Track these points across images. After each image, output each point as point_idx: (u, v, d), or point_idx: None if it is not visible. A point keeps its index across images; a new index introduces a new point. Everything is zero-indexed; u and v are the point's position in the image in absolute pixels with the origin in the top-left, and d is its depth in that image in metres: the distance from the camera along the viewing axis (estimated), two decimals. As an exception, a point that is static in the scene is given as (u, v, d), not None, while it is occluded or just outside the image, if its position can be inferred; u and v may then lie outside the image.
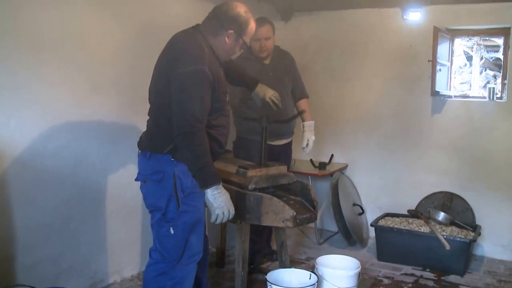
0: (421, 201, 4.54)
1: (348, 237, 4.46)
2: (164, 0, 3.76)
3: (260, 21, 3.54)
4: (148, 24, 3.56)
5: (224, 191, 2.59)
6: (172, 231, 2.55)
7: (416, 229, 4.11)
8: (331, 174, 4.66)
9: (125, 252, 3.62)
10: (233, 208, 2.63)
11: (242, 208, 2.95)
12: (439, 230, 3.99)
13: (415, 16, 4.50)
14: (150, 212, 2.66)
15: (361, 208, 4.67)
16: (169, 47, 2.60)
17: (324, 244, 4.66)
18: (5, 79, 2.73)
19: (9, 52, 2.74)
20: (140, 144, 2.68)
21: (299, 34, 5.09)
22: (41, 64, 2.92)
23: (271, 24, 3.70)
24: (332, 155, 4.88)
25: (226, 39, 2.61)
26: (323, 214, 5.06)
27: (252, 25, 2.66)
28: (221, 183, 2.57)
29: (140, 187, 2.68)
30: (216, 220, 2.58)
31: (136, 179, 2.69)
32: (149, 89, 2.66)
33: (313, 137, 3.83)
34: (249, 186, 2.95)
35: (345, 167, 4.95)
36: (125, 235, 3.59)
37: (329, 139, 4.97)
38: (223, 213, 2.57)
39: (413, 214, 4.39)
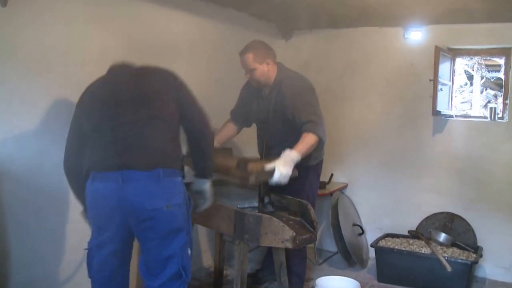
0: (422, 222, 4.49)
1: (348, 258, 4.40)
2: (164, 18, 3.73)
3: (242, 51, 3.44)
4: (147, 41, 3.52)
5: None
6: (189, 252, 2.49)
7: (417, 250, 4.06)
8: (331, 194, 4.61)
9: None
10: None
11: (240, 228, 2.92)
12: (440, 252, 3.93)
13: (416, 36, 4.49)
14: (155, 238, 2.38)
15: (361, 228, 4.61)
16: None
17: (323, 264, 4.59)
18: (2, 96, 2.70)
19: (7, 71, 2.71)
20: (141, 164, 2.33)
21: (300, 53, 5.08)
22: (40, 82, 2.88)
23: (254, 53, 3.39)
24: (331, 175, 4.84)
25: None
26: (322, 234, 5.00)
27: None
28: None
29: (158, 213, 2.35)
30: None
31: (154, 207, 2.33)
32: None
33: (284, 170, 3.00)
34: (250, 180, 2.92)
35: (345, 186, 4.90)
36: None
37: (329, 158, 4.86)
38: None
39: (414, 235, 4.34)
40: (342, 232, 4.28)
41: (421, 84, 4.43)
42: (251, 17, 4.67)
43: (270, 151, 3.33)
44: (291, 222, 3.06)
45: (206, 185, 2.74)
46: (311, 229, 3.00)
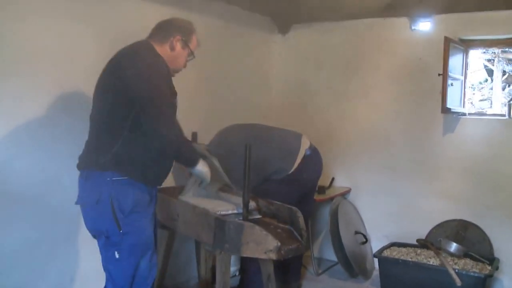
0: (431, 230, 4.14)
1: (349, 268, 4.05)
2: (142, 13, 3.50)
3: None
4: (124, 38, 3.26)
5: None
6: (117, 255, 2.43)
7: (425, 261, 3.73)
8: (332, 199, 4.26)
9: (99, 281, 3.23)
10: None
11: (220, 237, 2.65)
12: (450, 263, 3.58)
13: (424, 26, 4.15)
14: (93, 236, 2.54)
15: (364, 236, 4.25)
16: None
17: (323, 275, 4.30)
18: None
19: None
20: (79, 165, 2.53)
21: (298, 48, 4.81)
22: (8, 78, 2.73)
23: None
24: (333, 178, 4.52)
25: (174, 45, 2.60)
26: (322, 242, 4.68)
27: (195, 36, 2.68)
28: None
29: (81, 210, 2.54)
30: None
31: (76, 203, 2.55)
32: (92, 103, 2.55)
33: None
34: None
35: (348, 191, 4.56)
36: (99, 263, 3.24)
37: (330, 161, 4.57)
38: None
39: (423, 244, 3.99)
40: (342, 240, 3.95)
41: (431, 79, 4.08)
42: (243, 10, 4.42)
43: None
44: (278, 230, 2.80)
45: (195, 170, 2.71)
46: (299, 238, 2.68)
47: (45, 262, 2.98)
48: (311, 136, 3.64)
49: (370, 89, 4.47)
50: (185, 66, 2.71)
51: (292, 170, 3.42)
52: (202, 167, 2.71)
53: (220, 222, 2.64)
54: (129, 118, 2.37)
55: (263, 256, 2.57)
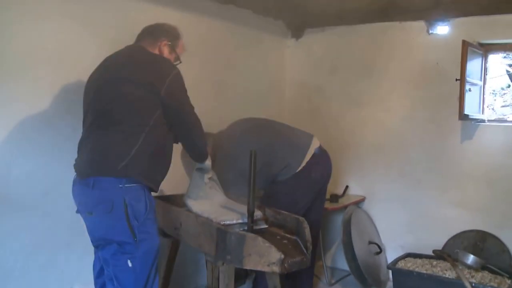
0: (448, 241, 3.99)
1: (362, 279, 3.92)
2: (149, 16, 3.39)
3: None
4: (128, 41, 3.23)
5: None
6: (130, 264, 2.36)
7: (440, 273, 3.57)
8: (345, 208, 4.14)
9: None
10: None
11: (222, 248, 2.56)
12: (467, 276, 3.42)
13: (442, 30, 4.02)
14: (96, 246, 2.51)
15: (378, 246, 4.11)
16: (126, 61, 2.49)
17: (336, 285, 4.19)
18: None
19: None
20: (80, 172, 2.43)
21: (311, 53, 4.71)
22: (7, 82, 2.67)
23: None
24: (346, 186, 4.40)
25: (162, 49, 2.60)
26: (336, 251, 4.56)
27: (182, 41, 2.70)
28: None
29: (84, 220, 2.47)
30: None
31: (78, 211, 2.47)
32: (88, 110, 2.48)
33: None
34: None
35: (362, 199, 4.44)
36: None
37: (344, 168, 4.46)
38: None
39: (439, 255, 3.82)
40: (355, 250, 3.82)
41: (448, 85, 3.93)
42: (255, 14, 4.31)
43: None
44: (284, 241, 2.70)
45: (203, 165, 2.94)
46: (305, 251, 2.58)
47: (45, 270, 2.92)
48: (324, 142, 3.53)
49: (386, 94, 4.35)
50: None
51: (300, 168, 3.31)
52: (208, 160, 2.91)
53: (222, 232, 2.55)
54: (151, 121, 2.36)
55: (266, 269, 2.47)
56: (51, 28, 2.85)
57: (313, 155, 3.35)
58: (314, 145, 3.40)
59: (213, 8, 3.92)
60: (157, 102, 2.36)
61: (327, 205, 4.01)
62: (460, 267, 3.55)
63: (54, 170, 2.90)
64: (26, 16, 2.72)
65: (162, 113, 2.40)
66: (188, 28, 3.66)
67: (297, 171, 3.30)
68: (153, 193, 3.08)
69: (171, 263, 3.35)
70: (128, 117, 2.33)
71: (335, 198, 4.13)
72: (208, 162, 2.94)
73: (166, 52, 2.61)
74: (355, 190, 4.49)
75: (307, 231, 2.66)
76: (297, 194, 3.35)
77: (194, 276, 3.93)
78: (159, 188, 3.42)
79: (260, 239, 2.44)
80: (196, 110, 2.65)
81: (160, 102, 2.37)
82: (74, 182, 2.46)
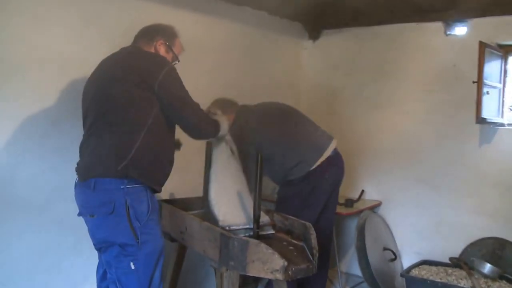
0: (466, 248, 3.85)
1: (376, 286, 3.82)
2: (161, 18, 3.38)
3: None
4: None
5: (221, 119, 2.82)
6: (133, 266, 2.34)
7: (455, 282, 3.44)
8: (360, 213, 4.05)
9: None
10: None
11: (225, 254, 2.51)
12: (482, 286, 3.31)
13: (460, 31, 3.91)
14: (98, 249, 2.47)
15: (393, 253, 4.01)
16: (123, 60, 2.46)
17: (350, 291, 4.07)
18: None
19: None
20: (81, 174, 2.41)
21: (328, 55, 4.65)
22: (14, 84, 2.68)
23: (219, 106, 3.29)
24: (362, 191, 4.30)
25: (158, 49, 2.58)
26: (351, 257, 4.46)
27: (179, 40, 2.68)
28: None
29: (86, 222, 2.46)
30: None
31: (80, 214, 2.45)
32: (87, 113, 2.47)
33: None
34: None
35: (378, 204, 4.33)
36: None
37: (360, 172, 4.38)
38: None
39: (455, 263, 3.71)
40: (369, 257, 3.73)
41: (465, 87, 3.81)
42: (270, 16, 4.26)
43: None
44: (291, 247, 2.65)
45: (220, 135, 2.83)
46: (311, 258, 2.52)
47: (51, 272, 2.91)
48: (340, 145, 3.46)
49: (402, 97, 4.25)
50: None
51: (314, 166, 3.25)
52: (223, 129, 2.80)
53: (225, 238, 2.51)
54: (149, 120, 2.34)
55: (269, 276, 2.41)
56: (57, 29, 2.84)
57: (329, 157, 3.30)
58: (332, 147, 3.35)
59: (227, 10, 3.89)
60: (153, 100, 2.34)
61: (342, 210, 3.94)
62: (476, 276, 3.44)
63: (60, 172, 2.88)
64: (32, 17, 2.72)
65: (160, 110, 2.37)
66: (202, 30, 3.70)
67: (311, 169, 3.25)
68: (162, 197, 3.11)
69: (178, 268, 3.33)
70: (126, 118, 2.31)
71: (350, 202, 4.04)
72: (222, 132, 2.82)
73: (162, 51, 2.58)
74: (371, 195, 4.39)
75: (313, 237, 2.60)
76: (310, 197, 3.29)
77: (204, 282, 3.89)
78: (170, 192, 3.44)
79: (263, 245, 2.38)
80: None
81: (156, 99, 2.34)
82: (76, 185, 2.45)
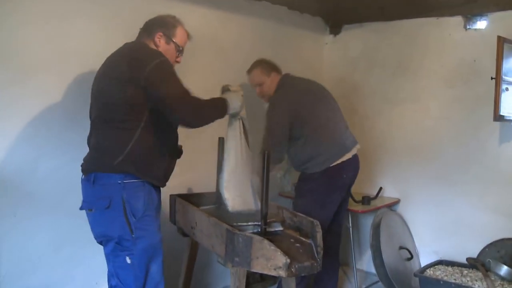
0: (484, 248, 3.75)
1: (390, 286, 3.77)
2: (184, 16, 3.40)
3: (249, 69, 3.54)
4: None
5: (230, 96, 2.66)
6: (128, 261, 2.37)
7: (469, 283, 3.37)
8: (377, 210, 4.01)
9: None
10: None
11: (231, 250, 2.51)
12: (498, 288, 3.22)
13: (480, 26, 3.81)
14: (99, 243, 2.49)
15: (410, 252, 3.95)
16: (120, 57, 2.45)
17: (366, 290, 4.04)
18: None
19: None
20: (84, 170, 2.45)
21: (348, 50, 4.61)
22: (32, 81, 2.73)
23: (262, 68, 3.47)
24: (380, 188, 4.23)
25: (158, 42, 2.54)
26: (369, 255, 4.39)
27: (181, 28, 2.62)
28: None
29: (87, 216, 2.47)
30: None
31: (81, 208, 2.46)
32: (91, 108, 2.52)
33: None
34: None
35: (397, 202, 4.28)
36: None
37: (378, 169, 4.33)
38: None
39: (472, 263, 3.62)
40: (383, 256, 3.68)
41: (485, 84, 3.71)
42: (290, 10, 4.24)
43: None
44: (297, 244, 2.63)
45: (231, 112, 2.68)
46: (316, 256, 2.51)
47: (70, 265, 2.98)
48: (359, 141, 3.47)
49: (421, 93, 4.17)
50: (178, 61, 2.64)
51: (334, 164, 3.25)
52: (234, 105, 2.65)
53: (230, 234, 2.51)
54: (145, 116, 2.33)
55: (273, 273, 2.40)
56: (79, 24, 2.88)
57: (349, 159, 3.30)
58: (354, 151, 3.37)
59: (247, 5, 3.90)
60: (146, 95, 2.30)
61: (358, 207, 3.91)
62: (492, 278, 3.36)
63: (77, 167, 2.83)
64: (54, 13, 2.77)
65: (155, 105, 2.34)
66: (221, 26, 3.72)
67: (330, 166, 3.25)
68: (175, 192, 3.07)
69: (191, 262, 3.36)
70: (122, 113, 2.32)
71: (367, 200, 4.00)
72: (231, 111, 2.68)
73: (162, 43, 2.54)
74: (390, 192, 4.33)
75: (319, 235, 2.57)
76: (326, 196, 3.29)
77: (222, 277, 3.92)
78: (188, 187, 3.44)
79: (266, 242, 2.38)
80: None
81: (148, 93, 2.30)
82: (81, 179, 2.49)
